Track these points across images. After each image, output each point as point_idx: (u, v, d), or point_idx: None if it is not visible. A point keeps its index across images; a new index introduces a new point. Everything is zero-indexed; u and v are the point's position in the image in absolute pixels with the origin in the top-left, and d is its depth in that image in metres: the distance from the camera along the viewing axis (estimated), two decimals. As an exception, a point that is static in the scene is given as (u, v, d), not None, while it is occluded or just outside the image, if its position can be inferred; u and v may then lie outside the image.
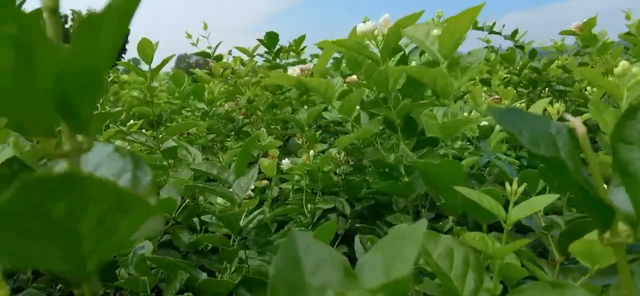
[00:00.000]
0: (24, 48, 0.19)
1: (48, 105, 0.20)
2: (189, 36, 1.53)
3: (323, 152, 1.13)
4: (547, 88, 1.66)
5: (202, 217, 0.90)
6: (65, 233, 0.20)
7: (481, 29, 2.13)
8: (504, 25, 2.34)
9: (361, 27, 0.69)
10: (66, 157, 0.22)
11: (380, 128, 0.93)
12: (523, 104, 1.20)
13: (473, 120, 0.62)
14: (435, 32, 0.61)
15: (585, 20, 1.29)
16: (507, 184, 0.49)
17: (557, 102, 1.70)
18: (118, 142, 0.93)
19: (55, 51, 0.20)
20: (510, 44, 2.14)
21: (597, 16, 1.27)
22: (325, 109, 1.17)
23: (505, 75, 1.74)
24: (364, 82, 0.99)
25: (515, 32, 2.08)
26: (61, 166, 0.48)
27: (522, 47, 2.21)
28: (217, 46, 1.60)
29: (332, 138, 1.35)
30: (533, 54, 1.59)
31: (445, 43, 0.59)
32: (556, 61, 1.58)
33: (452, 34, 0.58)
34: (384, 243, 0.32)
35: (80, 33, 0.19)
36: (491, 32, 2.21)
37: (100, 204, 0.19)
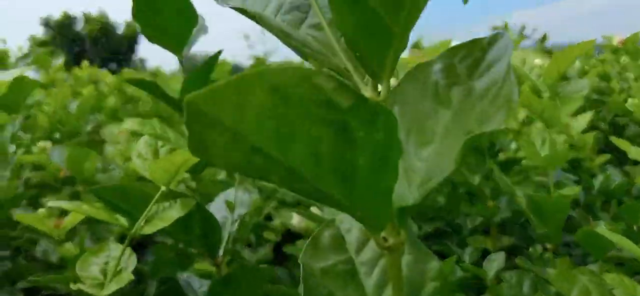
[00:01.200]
0: (382, 151, 0.18)
1: (387, 203, 0.20)
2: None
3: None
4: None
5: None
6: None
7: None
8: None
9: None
10: (390, 250, 0.21)
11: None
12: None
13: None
14: (537, 61, 0.61)
15: (628, 35, 1.29)
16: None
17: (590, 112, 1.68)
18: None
19: (399, 153, 0.19)
20: (529, 43, 2.14)
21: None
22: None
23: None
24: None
25: (544, 37, 2.06)
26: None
27: (550, 52, 2.21)
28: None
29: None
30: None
31: (551, 73, 0.59)
32: (594, 68, 1.58)
33: (559, 64, 0.58)
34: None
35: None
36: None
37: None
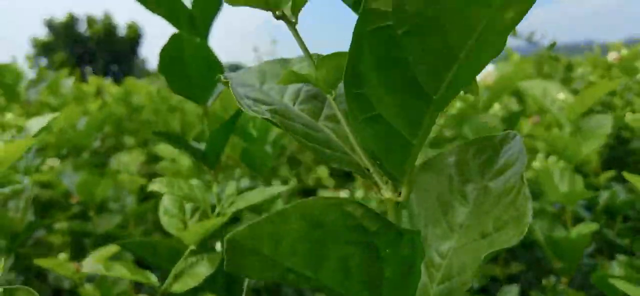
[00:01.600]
0: (407, 264, 0.20)
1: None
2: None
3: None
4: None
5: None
6: None
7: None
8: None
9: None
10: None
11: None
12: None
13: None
14: (560, 95, 0.62)
15: (623, 53, 1.29)
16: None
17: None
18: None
19: (422, 259, 0.21)
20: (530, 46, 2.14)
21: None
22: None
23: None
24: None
25: (553, 44, 2.07)
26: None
27: (557, 59, 2.20)
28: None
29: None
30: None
31: (575, 109, 0.60)
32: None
33: (584, 101, 0.59)
34: None
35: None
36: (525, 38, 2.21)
37: None
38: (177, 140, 0.45)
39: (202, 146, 0.44)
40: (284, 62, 0.31)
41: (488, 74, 0.73)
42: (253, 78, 0.31)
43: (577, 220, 0.91)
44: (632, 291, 0.44)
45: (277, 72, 0.30)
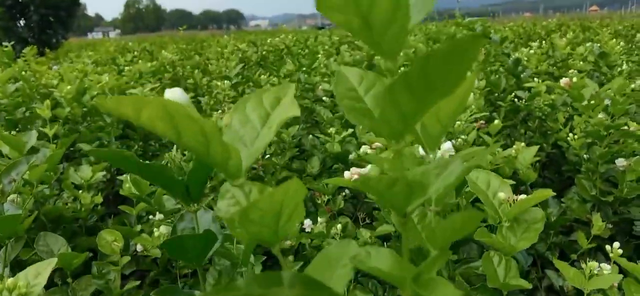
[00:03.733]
0: None
1: None
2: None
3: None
4: (528, 119, 1.81)
5: None
6: None
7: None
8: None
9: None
10: None
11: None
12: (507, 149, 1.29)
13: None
14: (501, 195, 0.71)
15: (574, 79, 1.42)
16: None
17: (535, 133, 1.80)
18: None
19: None
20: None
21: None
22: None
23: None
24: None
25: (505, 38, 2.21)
26: None
27: (508, 55, 2.34)
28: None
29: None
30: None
31: (512, 212, 0.69)
32: (543, 94, 1.71)
33: (522, 206, 0.68)
34: None
35: None
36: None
37: None
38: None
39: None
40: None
41: (448, 149, 0.80)
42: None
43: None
44: None
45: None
